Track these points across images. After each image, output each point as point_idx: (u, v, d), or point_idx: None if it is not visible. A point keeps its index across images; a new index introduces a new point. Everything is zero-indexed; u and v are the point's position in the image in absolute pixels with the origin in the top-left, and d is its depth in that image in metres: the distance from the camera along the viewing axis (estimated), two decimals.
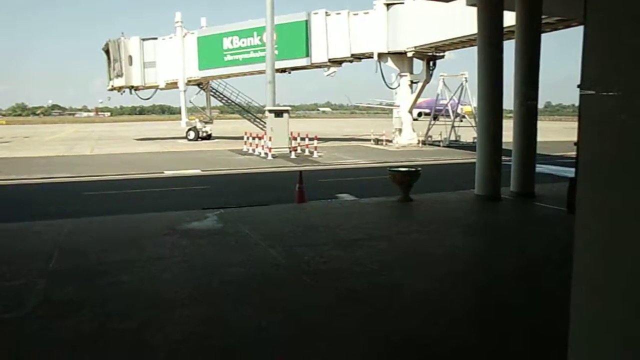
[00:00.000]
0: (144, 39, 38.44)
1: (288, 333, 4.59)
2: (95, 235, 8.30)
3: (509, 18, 11.82)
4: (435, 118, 38.66)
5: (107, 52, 38.24)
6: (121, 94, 40.38)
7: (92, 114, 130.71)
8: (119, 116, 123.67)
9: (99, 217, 10.02)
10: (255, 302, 5.32)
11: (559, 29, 22.56)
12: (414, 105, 34.57)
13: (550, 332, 4.36)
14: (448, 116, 37.46)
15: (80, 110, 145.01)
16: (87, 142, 39.51)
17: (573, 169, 11.97)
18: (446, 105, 37.68)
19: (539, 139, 12.21)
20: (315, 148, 27.38)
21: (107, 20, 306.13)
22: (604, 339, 2.04)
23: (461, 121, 37.74)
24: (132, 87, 39.02)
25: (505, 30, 11.62)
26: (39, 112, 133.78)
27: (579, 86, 2.04)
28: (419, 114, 39.84)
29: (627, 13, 1.89)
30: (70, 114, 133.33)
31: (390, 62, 32.80)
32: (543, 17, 13.06)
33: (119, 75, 37.73)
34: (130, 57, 37.88)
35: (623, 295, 1.95)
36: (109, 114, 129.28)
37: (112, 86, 38.94)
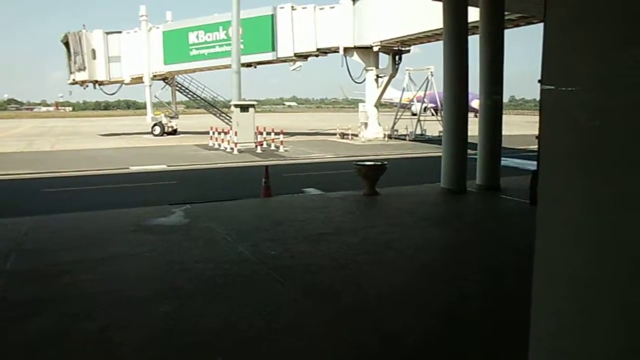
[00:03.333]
0: (107, 33, 37.56)
1: (256, 329, 4.56)
2: (56, 233, 8.10)
3: (475, 13, 11.99)
4: (436, 112, 37.24)
5: (66, 44, 37.05)
6: (84, 88, 39.30)
7: (52, 108, 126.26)
8: (82, 111, 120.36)
9: (60, 215, 9.77)
10: (223, 299, 5.28)
11: (521, 25, 23.01)
12: (379, 99, 34.71)
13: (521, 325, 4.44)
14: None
15: (39, 104, 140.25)
16: (47, 137, 38.45)
17: (535, 162, 12.22)
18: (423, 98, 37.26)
19: (504, 132, 12.41)
20: (282, 142, 27.29)
21: (65, 10, 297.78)
22: (564, 327, 2.08)
23: (476, 116, 36.46)
24: (96, 81, 38.10)
25: (470, 25, 11.78)
26: None
27: (539, 81, 2.07)
28: (425, 109, 38.50)
29: (585, 10, 1.93)
30: (28, 109, 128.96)
31: (356, 57, 32.92)
32: (506, 13, 13.27)
33: (81, 69, 36.69)
34: (93, 50, 36.91)
35: (583, 284, 1.99)
36: (70, 108, 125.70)
37: (74, 80, 37.76)
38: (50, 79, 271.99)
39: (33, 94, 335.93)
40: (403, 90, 38.83)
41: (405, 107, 38.94)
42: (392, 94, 39.17)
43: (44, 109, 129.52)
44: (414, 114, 37.89)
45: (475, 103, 35.38)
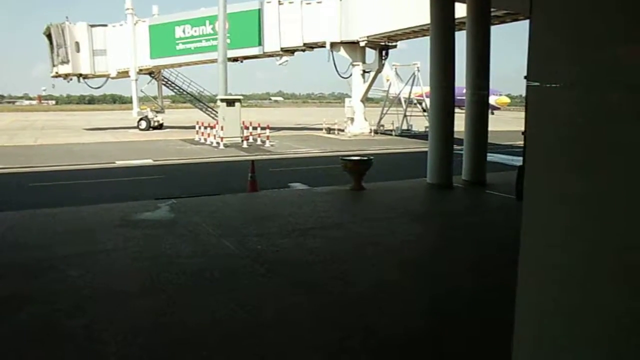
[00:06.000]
0: (92, 26, 37.06)
1: (241, 323, 4.57)
2: (40, 228, 8.02)
3: (461, 9, 12.05)
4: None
5: (48, 36, 36.40)
6: (68, 81, 38.67)
7: (34, 102, 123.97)
8: (66, 105, 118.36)
9: (44, 210, 9.63)
10: (209, 293, 5.28)
11: (507, 22, 23.18)
12: (366, 94, 34.73)
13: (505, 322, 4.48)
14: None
15: (21, 98, 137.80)
16: (30, 131, 37.95)
17: (521, 158, 12.30)
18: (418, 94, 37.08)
19: (490, 128, 12.49)
20: (267, 137, 27.25)
21: (49, 2, 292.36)
22: (548, 320, 2.11)
23: (492, 114, 35.17)
24: (81, 75, 37.58)
25: (457, 21, 11.83)
26: None
27: (525, 77, 2.10)
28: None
29: (569, 10, 1.95)
30: (9, 102, 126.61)
31: (342, 52, 32.94)
32: (492, 9, 13.35)
33: (65, 62, 36.06)
34: (77, 43, 36.35)
35: (568, 281, 2.02)
36: (53, 102, 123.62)
37: (57, 73, 37.09)
38: (32, 72, 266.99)
39: (15, 87, 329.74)
40: (389, 85, 38.84)
41: (394, 100, 38.88)
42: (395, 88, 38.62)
43: (26, 102, 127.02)
44: (425, 111, 37.69)
45: (492, 99, 34.01)
